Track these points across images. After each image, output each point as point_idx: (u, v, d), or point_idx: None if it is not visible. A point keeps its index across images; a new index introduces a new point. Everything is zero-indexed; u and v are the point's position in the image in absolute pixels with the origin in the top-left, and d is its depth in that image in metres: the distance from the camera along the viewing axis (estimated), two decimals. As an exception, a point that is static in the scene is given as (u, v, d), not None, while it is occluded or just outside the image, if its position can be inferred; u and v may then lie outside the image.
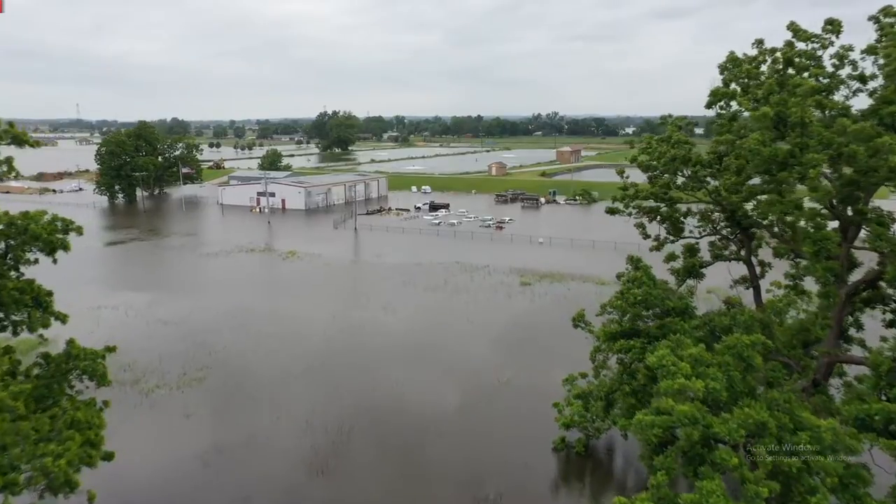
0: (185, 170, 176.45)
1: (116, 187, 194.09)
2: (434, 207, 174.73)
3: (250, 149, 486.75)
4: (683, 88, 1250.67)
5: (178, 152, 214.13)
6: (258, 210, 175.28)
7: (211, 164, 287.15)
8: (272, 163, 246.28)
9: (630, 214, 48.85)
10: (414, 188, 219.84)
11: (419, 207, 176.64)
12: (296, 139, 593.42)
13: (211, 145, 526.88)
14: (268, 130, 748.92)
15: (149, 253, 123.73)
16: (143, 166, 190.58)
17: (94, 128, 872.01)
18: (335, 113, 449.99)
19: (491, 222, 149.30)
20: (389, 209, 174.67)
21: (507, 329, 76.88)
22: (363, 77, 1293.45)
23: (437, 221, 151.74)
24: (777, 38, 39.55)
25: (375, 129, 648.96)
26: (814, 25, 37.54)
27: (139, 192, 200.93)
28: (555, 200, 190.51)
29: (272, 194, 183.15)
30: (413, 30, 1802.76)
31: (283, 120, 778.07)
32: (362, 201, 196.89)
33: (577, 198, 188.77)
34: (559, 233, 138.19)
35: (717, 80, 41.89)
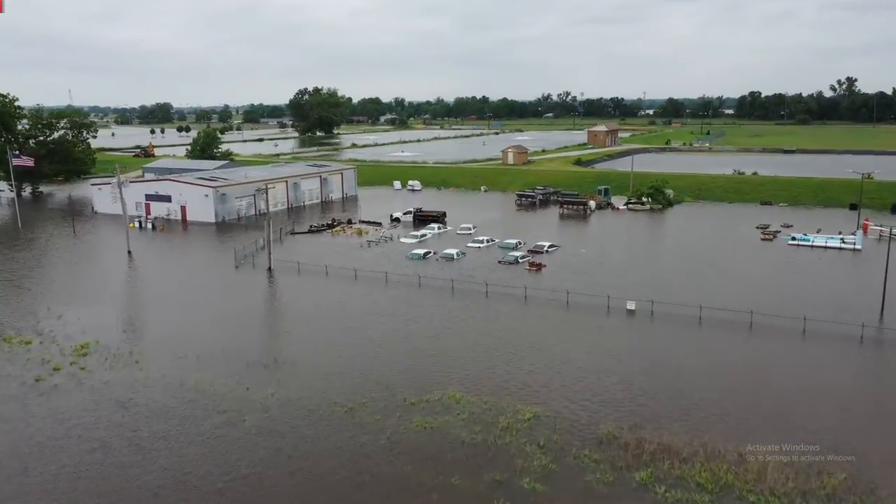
0: (17, 161, 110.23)
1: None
2: (421, 218, 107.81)
3: (221, 133, 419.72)
4: (697, 71, 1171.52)
5: (56, 135, 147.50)
6: (137, 225, 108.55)
7: (137, 151, 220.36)
8: (205, 148, 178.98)
9: None
10: (397, 184, 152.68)
11: (397, 219, 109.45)
12: (281, 122, 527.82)
13: (180, 129, 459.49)
14: (254, 114, 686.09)
15: None
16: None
17: (84, 113, 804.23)
18: (317, 90, 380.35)
19: (519, 254, 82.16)
20: (349, 222, 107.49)
21: None
22: (369, 62, 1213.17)
23: (421, 252, 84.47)
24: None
25: (371, 111, 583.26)
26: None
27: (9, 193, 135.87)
28: (609, 203, 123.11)
29: (166, 198, 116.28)
30: (425, 14, 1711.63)
31: (281, 105, 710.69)
32: (317, 205, 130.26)
33: (645, 200, 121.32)
34: (652, 276, 71.41)
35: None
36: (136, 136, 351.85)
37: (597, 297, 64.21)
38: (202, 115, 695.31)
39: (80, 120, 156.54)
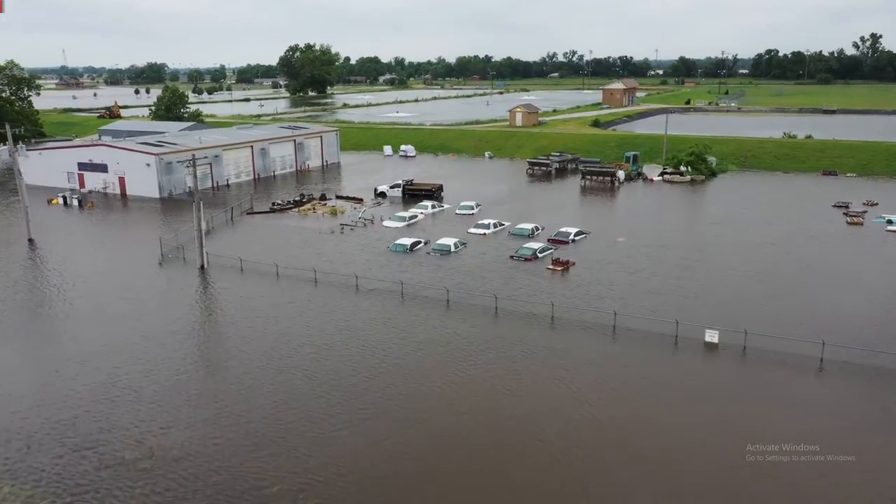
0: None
1: None
2: (412, 193, 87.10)
3: (210, 93, 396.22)
4: (706, 31, 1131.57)
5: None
6: (61, 201, 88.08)
7: (102, 112, 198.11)
8: (170, 108, 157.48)
9: None
10: (388, 149, 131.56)
11: (382, 194, 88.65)
12: (275, 82, 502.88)
13: (166, 90, 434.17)
14: (249, 74, 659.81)
15: None
16: None
17: (78, 74, 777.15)
18: (308, 47, 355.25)
19: (538, 246, 61.53)
20: (322, 199, 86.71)
21: None
22: (370, 22, 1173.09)
23: (408, 242, 63.93)
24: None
25: (370, 71, 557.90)
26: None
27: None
28: (640, 173, 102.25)
29: (101, 167, 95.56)
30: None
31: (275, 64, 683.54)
32: (291, 175, 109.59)
33: (684, 169, 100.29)
34: (719, 280, 50.96)
35: None
36: (121, 96, 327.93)
37: (657, 321, 43.93)
38: (194, 75, 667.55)
39: (17, 75, 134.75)
